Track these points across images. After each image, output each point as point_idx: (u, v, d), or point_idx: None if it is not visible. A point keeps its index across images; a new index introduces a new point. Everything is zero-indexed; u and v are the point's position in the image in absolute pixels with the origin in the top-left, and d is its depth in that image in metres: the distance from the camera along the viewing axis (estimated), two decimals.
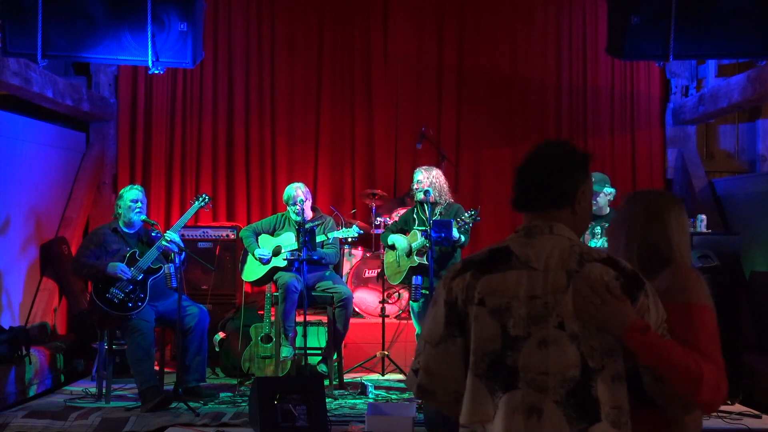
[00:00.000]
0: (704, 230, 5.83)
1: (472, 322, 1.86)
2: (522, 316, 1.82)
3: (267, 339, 5.81)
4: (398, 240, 5.87)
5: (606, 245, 5.37)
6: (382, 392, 5.62)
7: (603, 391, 1.77)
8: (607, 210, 5.51)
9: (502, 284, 1.85)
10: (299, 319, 5.67)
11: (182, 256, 5.28)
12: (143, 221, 5.42)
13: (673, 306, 1.91)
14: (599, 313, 1.78)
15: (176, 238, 5.31)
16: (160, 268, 5.33)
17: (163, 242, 5.28)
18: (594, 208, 5.47)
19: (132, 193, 5.39)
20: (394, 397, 5.49)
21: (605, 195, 5.46)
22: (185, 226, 6.80)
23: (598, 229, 5.42)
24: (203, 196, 5.73)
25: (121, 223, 5.42)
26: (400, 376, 5.96)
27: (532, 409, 1.78)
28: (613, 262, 1.86)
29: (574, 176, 1.99)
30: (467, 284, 1.89)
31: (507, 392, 1.81)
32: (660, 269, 2.08)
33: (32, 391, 5.63)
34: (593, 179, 5.55)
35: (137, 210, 5.37)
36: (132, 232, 5.44)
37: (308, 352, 5.75)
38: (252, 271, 5.96)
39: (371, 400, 5.30)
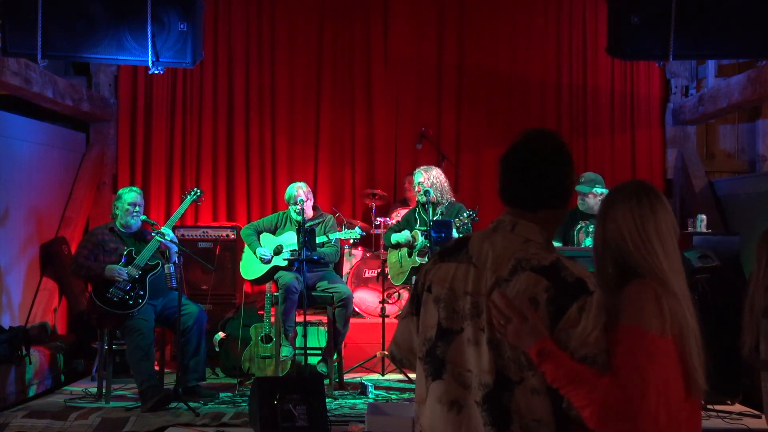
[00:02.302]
0: (704, 230, 5.83)
1: (422, 305, 1.95)
2: (456, 310, 1.85)
3: (267, 339, 5.80)
4: (401, 236, 5.88)
5: None
6: (382, 392, 5.61)
7: (521, 402, 1.74)
8: None
9: (446, 275, 1.89)
10: (299, 319, 5.67)
11: (178, 255, 5.28)
12: (143, 221, 5.43)
13: (614, 328, 1.76)
14: (505, 332, 1.73)
15: (170, 233, 5.32)
16: (158, 264, 5.34)
17: (158, 238, 5.29)
18: (583, 207, 5.46)
19: (130, 196, 5.38)
20: (394, 397, 5.49)
21: (595, 196, 5.41)
22: (185, 226, 6.84)
23: (591, 228, 5.41)
24: (195, 190, 5.75)
25: (118, 224, 5.42)
26: (400, 376, 5.96)
27: (454, 403, 1.82)
28: (554, 270, 1.74)
29: (571, 176, 1.90)
30: (426, 269, 1.98)
31: (434, 381, 1.87)
32: (629, 281, 1.83)
33: (32, 391, 5.63)
34: (584, 179, 5.59)
35: (135, 214, 5.37)
36: (129, 231, 5.45)
37: (308, 352, 5.76)
38: (251, 269, 5.97)
39: (371, 400, 5.30)
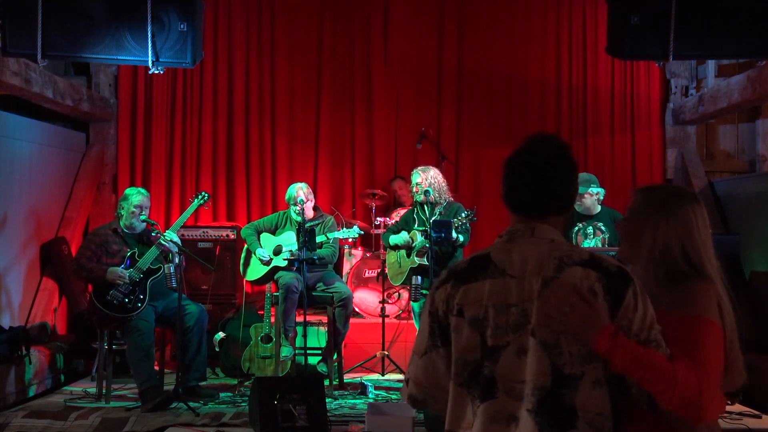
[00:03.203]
0: None
1: (452, 332, 1.87)
2: (500, 326, 1.81)
3: (267, 339, 5.81)
4: (398, 238, 5.87)
5: (599, 245, 5.38)
6: (382, 392, 5.62)
7: (583, 398, 1.74)
8: (598, 208, 5.47)
9: (479, 294, 1.84)
10: (299, 319, 5.68)
11: (180, 257, 5.26)
12: (143, 221, 5.41)
13: (678, 317, 1.86)
14: (568, 321, 1.73)
15: (175, 237, 5.31)
16: (160, 268, 5.32)
17: (162, 241, 5.28)
18: (580, 209, 5.44)
19: (137, 199, 5.35)
20: (394, 397, 5.49)
21: (590, 196, 5.41)
22: (185, 226, 6.81)
23: (590, 230, 5.41)
24: (203, 193, 5.71)
25: (122, 224, 5.41)
26: (400, 376, 5.96)
27: (511, 417, 1.78)
28: (596, 262, 1.79)
29: (576, 179, 1.95)
30: (448, 295, 1.89)
31: (484, 402, 1.81)
32: (683, 279, 1.95)
33: (32, 391, 5.63)
34: (578, 180, 5.55)
35: (140, 216, 5.35)
36: (133, 233, 5.43)
37: (308, 352, 5.76)
38: (254, 271, 5.97)
39: (371, 400, 5.30)
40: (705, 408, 1.77)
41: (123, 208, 5.38)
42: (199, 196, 5.68)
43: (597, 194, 5.44)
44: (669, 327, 1.81)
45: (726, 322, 1.93)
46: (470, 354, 1.84)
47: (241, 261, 6.08)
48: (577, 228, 5.45)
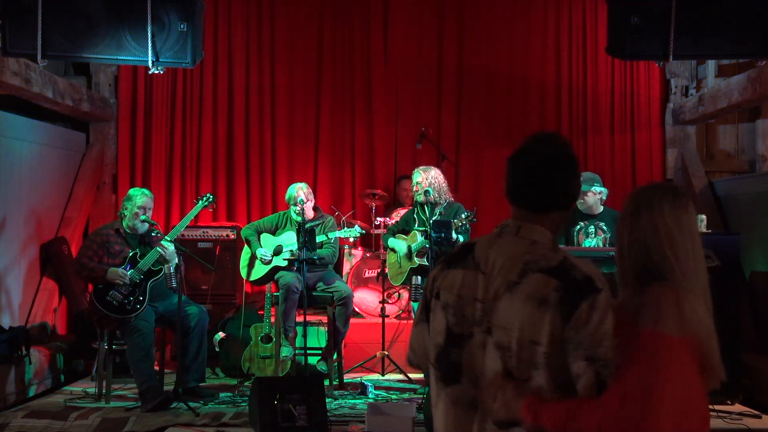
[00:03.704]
0: (704, 230, 5.83)
1: (431, 312, 1.98)
2: (466, 316, 1.87)
3: (267, 339, 5.81)
4: (398, 245, 5.87)
5: (600, 244, 5.40)
6: (382, 392, 5.62)
7: None
8: (600, 209, 5.50)
9: (453, 282, 1.92)
10: (299, 319, 5.68)
11: (179, 257, 5.25)
12: (143, 221, 5.40)
13: (634, 331, 1.78)
14: (521, 329, 1.76)
15: (171, 246, 5.27)
16: (161, 270, 5.31)
17: (159, 249, 5.27)
18: (583, 207, 5.46)
19: (141, 200, 5.33)
20: (394, 397, 5.49)
21: (594, 194, 5.44)
22: (186, 226, 6.81)
23: (591, 229, 5.42)
24: (207, 195, 5.68)
25: (124, 224, 5.40)
26: (400, 376, 5.96)
27: (472, 403, 1.86)
28: (563, 270, 1.77)
29: (578, 177, 1.96)
30: (434, 276, 2.00)
31: (449, 386, 1.90)
32: (649, 283, 1.86)
33: (32, 391, 5.63)
34: (582, 178, 5.58)
35: (143, 217, 5.34)
36: (135, 233, 5.42)
37: (308, 352, 5.76)
38: (256, 271, 5.97)
39: (371, 400, 5.30)
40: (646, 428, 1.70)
41: (126, 209, 5.37)
42: (204, 198, 5.65)
43: (600, 193, 5.46)
44: (627, 340, 1.75)
45: (696, 330, 1.80)
46: (438, 337, 1.94)
47: (245, 262, 6.07)
48: (578, 227, 5.47)
